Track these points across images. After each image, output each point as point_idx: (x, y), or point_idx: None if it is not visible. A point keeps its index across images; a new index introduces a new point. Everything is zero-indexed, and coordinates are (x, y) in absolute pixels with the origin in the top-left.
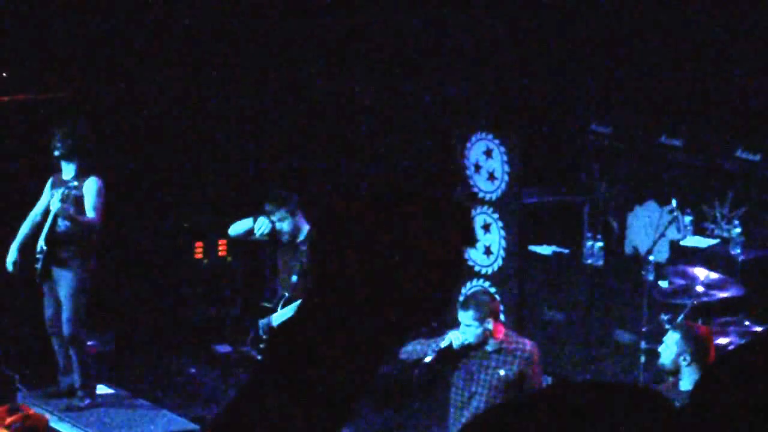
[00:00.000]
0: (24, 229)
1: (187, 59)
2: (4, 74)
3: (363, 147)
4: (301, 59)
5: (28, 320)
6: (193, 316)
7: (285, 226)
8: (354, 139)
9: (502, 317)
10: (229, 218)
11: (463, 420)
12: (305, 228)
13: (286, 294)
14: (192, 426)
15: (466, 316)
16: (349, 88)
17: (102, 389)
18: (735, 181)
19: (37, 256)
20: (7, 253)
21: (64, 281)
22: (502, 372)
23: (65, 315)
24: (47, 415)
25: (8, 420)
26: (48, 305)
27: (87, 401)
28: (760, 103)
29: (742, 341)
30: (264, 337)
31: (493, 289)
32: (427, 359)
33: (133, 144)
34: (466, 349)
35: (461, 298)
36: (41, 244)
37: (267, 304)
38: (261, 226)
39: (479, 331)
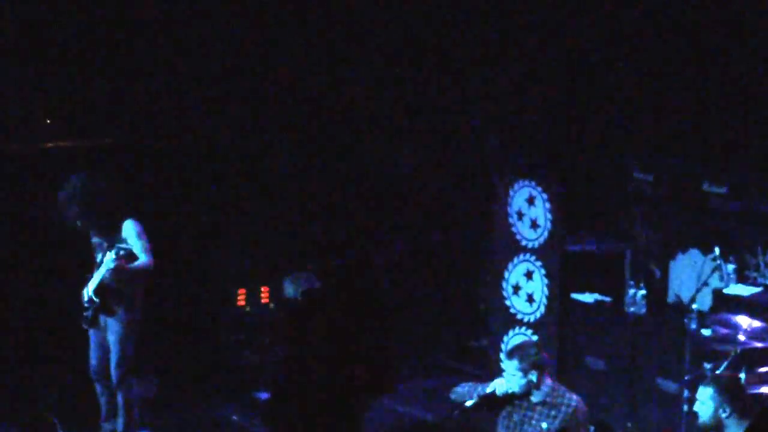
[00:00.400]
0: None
1: (230, 99)
2: (48, 121)
3: (408, 193)
4: (351, 124)
5: (71, 367)
6: (235, 363)
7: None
8: (398, 186)
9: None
10: (271, 265)
11: None
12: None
13: None
14: None
15: (510, 366)
16: (395, 141)
17: None
18: None
19: (85, 304)
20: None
21: (114, 326)
22: (544, 425)
23: (114, 359)
24: None
25: None
26: (93, 350)
27: None
28: None
29: None
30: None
31: (535, 337)
32: (468, 403)
33: (178, 189)
34: (511, 398)
35: (508, 347)
36: (90, 294)
37: None
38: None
39: (523, 381)
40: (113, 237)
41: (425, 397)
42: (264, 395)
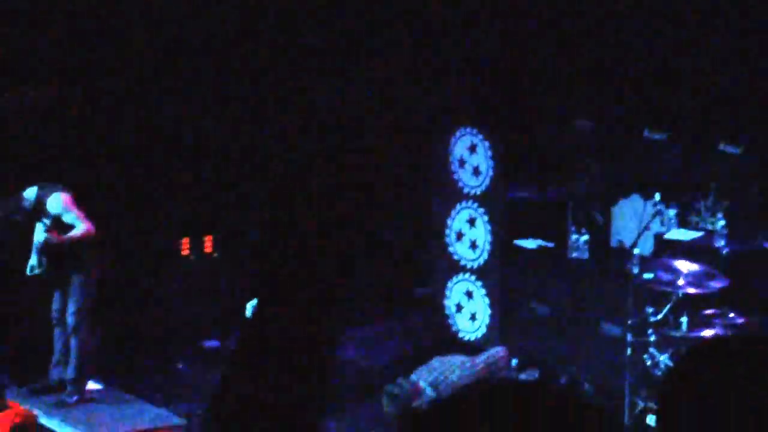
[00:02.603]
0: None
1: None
2: None
3: (344, 139)
4: (293, 58)
5: (14, 319)
6: (180, 311)
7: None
8: (335, 129)
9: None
10: (214, 214)
11: None
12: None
13: None
14: (179, 421)
15: None
16: (336, 80)
17: (90, 384)
18: (718, 174)
19: (38, 272)
20: None
21: (73, 278)
22: None
23: (71, 306)
24: (36, 411)
25: None
26: (56, 295)
27: (76, 397)
28: (742, 95)
29: (726, 332)
30: None
31: (479, 283)
32: None
33: (118, 141)
34: None
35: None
36: (43, 261)
37: None
38: None
39: None
40: (43, 212)
41: (371, 344)
42: (209, 343)
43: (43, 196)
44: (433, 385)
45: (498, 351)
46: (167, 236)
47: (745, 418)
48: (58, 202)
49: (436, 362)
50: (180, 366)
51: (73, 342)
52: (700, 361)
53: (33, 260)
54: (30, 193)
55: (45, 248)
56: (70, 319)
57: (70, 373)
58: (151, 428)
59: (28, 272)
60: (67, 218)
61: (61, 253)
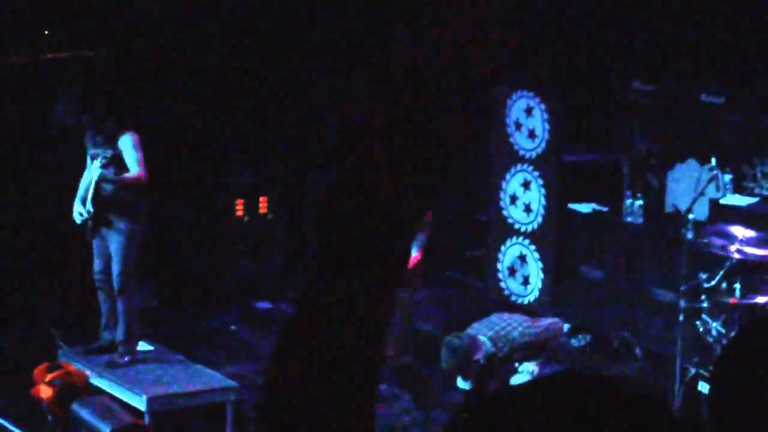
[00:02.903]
0: (82, 187)
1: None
2: (47, 32)
3: (400, 100)
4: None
5: (70, 278)
6: (233, 273)
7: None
8: (392, 89)
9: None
10: (270, 176)
11: None
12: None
13: None
14: (231, 383)
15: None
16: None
17: (142, 346)
18: None
19: (86, 220)
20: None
21: (115, 237)
22: None
23: (116, 268)
24: (87, 371)
25: (49, 377)
26: (97, 258)
27: (127, 358)
28: None
29: None
30: None
31: (532, 247)
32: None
33: (176, 100)
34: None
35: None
36: (89, 207)
37: None
38: None
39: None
40: (110, 148)
41: (426, 307)
42: (262, 304)
43: (114, 129)
44: (493, 339)
45: (557, 321)
46: (223, 197)
47: None
48: (129, 139)
49: (494, 318)
50: (233, 327)
51: (119, 304)
52: (759, 334)
53: (80, 206)
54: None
55: (97, 188)
56: (115, 282)
57: (119, 335)
58: (203, 390)
59: (76, 219)
60: (129, 159)
61: (109, 201)
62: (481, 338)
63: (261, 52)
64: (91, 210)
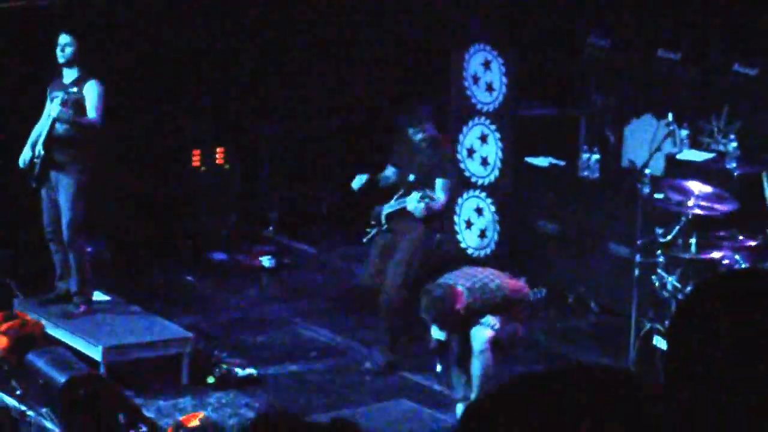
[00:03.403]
0: (34, 133)
1: None
2: None
3: (360, 58)
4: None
5: (24, 227)
6: (189, 223)
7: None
8: (351, 49)
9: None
10: (226, 126)
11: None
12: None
13: (402, 189)
14: (187, 333)
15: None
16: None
17: (97, 296)
18: (732, 95)
19: (35, 160)
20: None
21: (63, 186)
22: None
23: (65, 219)
24: (43, 321)
25: (4, 326)
26: (46, 210)
27: (83, 308)
28: (758, 17)
29: (735, 255)
30: (372, 223)
31: (489, 200)
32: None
33: (130, 49)
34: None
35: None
36: (39, 148)
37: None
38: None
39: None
40: (73, 91)
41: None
42: (218, 255)
43: (82, 72)
44: (470, 290)
45: (526, 286)
46: (178, 148)
47: (757, 354)
48: (95, 86)
49: (467, 269)
50: (188, 278)
51: (71, 256)
52: (713, 294)
53: (30, 150)
54: (70, 53)
55: (51, 128)
56: (65, 233)
57: (73, 285)
58: (158, 340)
59: (20, 163)
60: (90, 105)
61: (61, 143)
62: (459, 287)
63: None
64: (41, 152)
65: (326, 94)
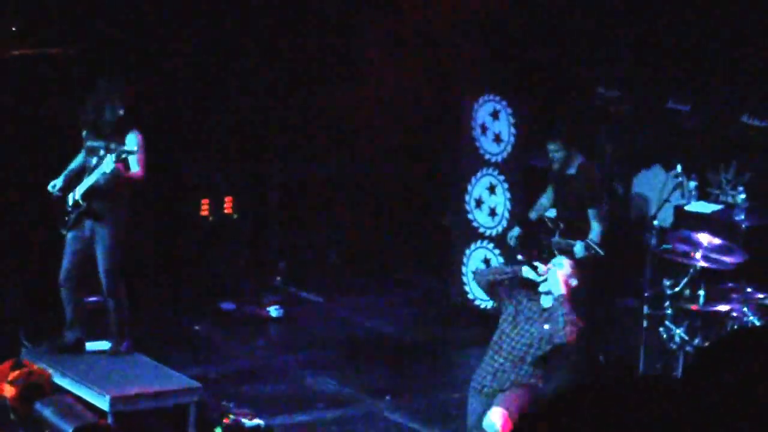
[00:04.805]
0: (71, 168)
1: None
2: (14, 28)
3: (371, 106)
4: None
5: (34, 276)
6: (198, 273)
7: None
8: (361, 99)
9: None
10: (235, 175)
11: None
12: (577, 160)
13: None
14: (194, 384)
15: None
16: (358, 50)
17: (105, 345)
18: (740, 147)
19: (68, 209)
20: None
21: (101, 236)
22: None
23: (103, 268)
24: (50, 371)
25: (12, 375)
26: (69, 255)
27: (126, 345)
28: (766, 68)
29: (743, 308)
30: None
31: (497, 251)
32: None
33: (137, 98)
34: (531, 285)
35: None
36: (77, 198)
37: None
38: None
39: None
40: (116, 142)
41: (387, 308)
42: (226, 305)
43: (125, 126)
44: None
45: None
46: (187, 197)
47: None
48: (135, 137)
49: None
50: (196, 328)
51: (111, 303)
52: (731, 346)
53: (79, 192)
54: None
55: (103, 183)
56: (105, 282)
57: (114, 331)
58: (166, 390)
59: (51, 189)
60: (134, 158)
61: (102, 195)
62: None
63: (226, 52)
64: (81, 203)
65: (335, 142)
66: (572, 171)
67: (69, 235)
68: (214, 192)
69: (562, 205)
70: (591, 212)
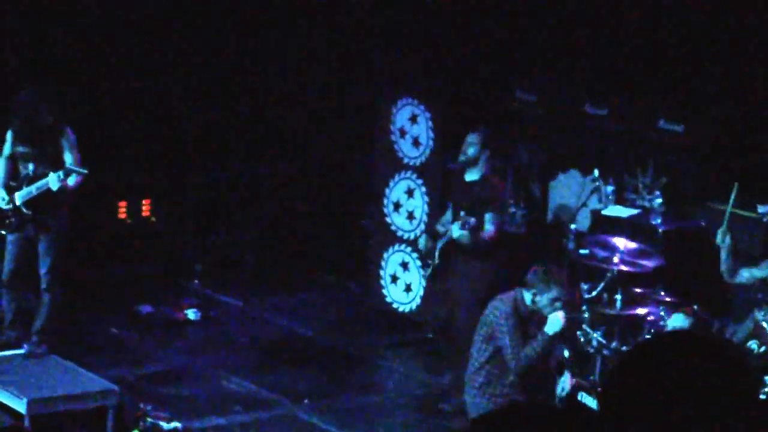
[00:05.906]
0: (2, 179)
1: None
2: None
3: (288, 109)
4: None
5: None
6: (115, 276)
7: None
8: (279, 99)
9: None
10: (153, 178)
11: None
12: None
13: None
14: (112, 386)
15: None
16: (275, 50)
17: (22, 349)
18: (657, 152)
19: (8, 212)
20: None
21: (45, 235)
22: None
23: (45, 266)
24: None
25: None
26: (12, 254)
27: (43, 347)
28: (683, 74)
29: (659, 311)
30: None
31: (414, 255)
32: None
33: (59, 99)
34: None
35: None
36: (18, 205)
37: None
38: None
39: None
40: (50, 145)
41: (305, 311)
42: (144, 308)
43: (61, 123)
44: None
45: None
46: (104, 200)
47: (686, 413)
48: (70, 136)
49: None
50: (113, 330)
51: (46, 298)
52: (644, 357)
53: (19, 199)
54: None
55: (42, 189)
56: (44, 279)
57: (38, 324)
58: (84, 393)
59: (11, 208)
60: (69, 158)
61: (47, 199)
62: None
63: (144, 53)
64: (23, 209)
65: (254, 143)
66: (475, 177)
67: (11, 237)
68: (131, 195)
69: (462, 207)
70: (488, 216)
